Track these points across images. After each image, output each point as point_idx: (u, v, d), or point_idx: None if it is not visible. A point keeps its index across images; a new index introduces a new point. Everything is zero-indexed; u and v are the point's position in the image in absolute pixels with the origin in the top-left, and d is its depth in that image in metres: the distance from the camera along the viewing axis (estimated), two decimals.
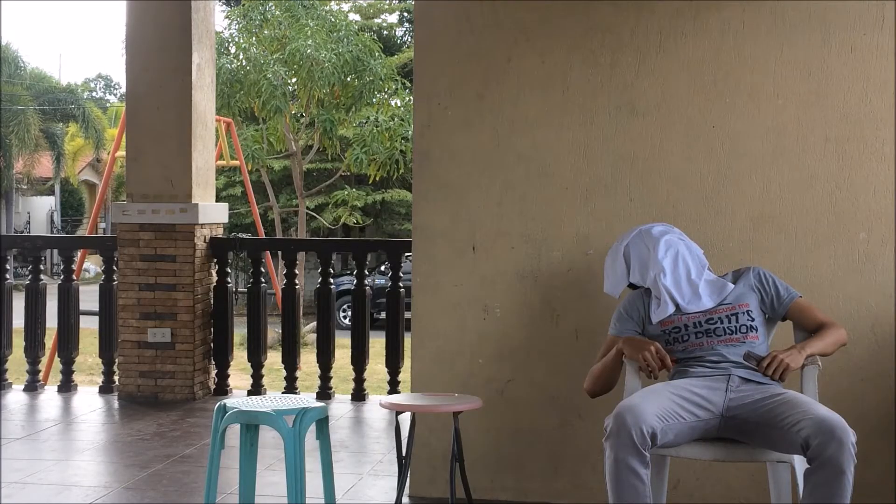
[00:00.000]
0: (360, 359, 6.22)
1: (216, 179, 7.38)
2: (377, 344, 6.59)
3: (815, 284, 3.75)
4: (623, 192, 3.91)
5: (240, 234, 20.70)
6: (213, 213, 6.35)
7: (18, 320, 6.66)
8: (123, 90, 7.23)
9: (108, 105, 36.67)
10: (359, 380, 6.23)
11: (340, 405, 6.10)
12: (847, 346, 3.47)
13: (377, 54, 16.40)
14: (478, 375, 4.02)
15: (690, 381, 3.22)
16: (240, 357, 6.74)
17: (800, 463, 3.07)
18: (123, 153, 6.59)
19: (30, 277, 6.61)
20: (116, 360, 6.40)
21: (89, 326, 7.65)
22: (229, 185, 21.58)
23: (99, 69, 78.83)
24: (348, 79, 16.09)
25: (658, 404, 3.05)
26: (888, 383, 3.75)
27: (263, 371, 6.39)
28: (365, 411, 6.00)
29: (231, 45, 16.55)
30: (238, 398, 3.96)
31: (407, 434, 3.74)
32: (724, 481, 3.84)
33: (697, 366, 3.30)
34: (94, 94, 41.51)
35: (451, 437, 3.64)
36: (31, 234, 22.85)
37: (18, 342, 6.70)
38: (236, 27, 17.00)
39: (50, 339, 7.06)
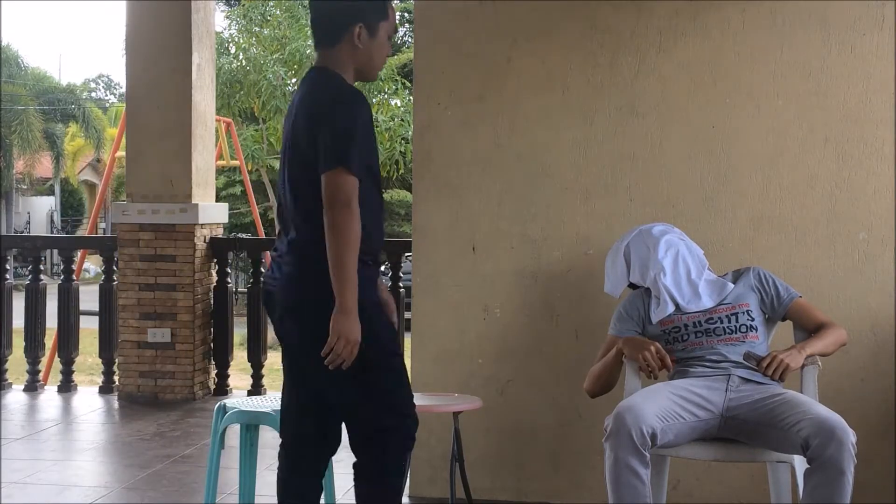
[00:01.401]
0: None
1: (216, 179, 7.38)
2: None
3: (815, 284, 3.75)
4: (623, 192, 3.91)
5: (240, 234, 20.69)
6: (213, 213, 6.35)
7: (18, 320, 6.66)
8: (123, 90, 7.23)
9: (108, 105, 36.68)
10: None
11: None
12: (847, 346, 3.46)
13: None
14: (478, 375, 4.02)
15: (690, 381, 3.22)
16: (240, 357, 6.74)
17: (800, 463, 3.07)
18: (123, 153, 6.59)
19: (30, 277, 6.61)
20: (116, 360, 6.40)
21: (89, 326, 7.65)
22: (229, 185, 21.56)
23: (99, 69, 78.90)
24: None
25: (658, 404, 3.05)
26: (888, 383, 3.75)
27: (263, 371, 6.39)
28: None
29: (231, 45, 16.55)
30: (238, 398, 3.96)
31: None
32: (724, 481, 3.84)
33: (697, 366, 3.29)
34: (93, 94, 41.50)
35: (451, 437, 3.64)
36: (31, 234, 22.85)
37: (18, 342, 6.71)
38: (236, 27, 17.00)
39: (50, 339, 7.06)
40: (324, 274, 2.69)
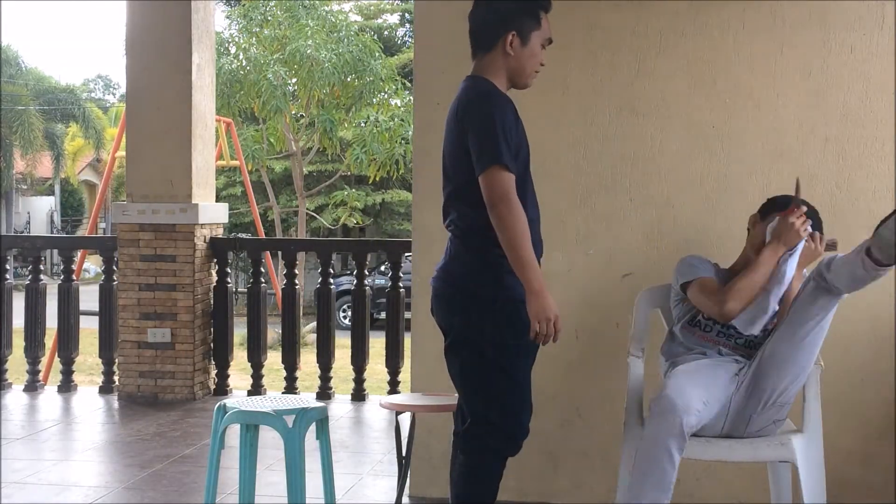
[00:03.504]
0: (360, 359, 6.22)
1: (216, 179, 7.39)
2: (377, 344, 6.59)
3: None
4: (623, 192, 3.91)
5: (240, 234, 20.71)
6: (213, 213, 6.35)
7: (18, 320, 6.66)
8: (123, 90, 7.24)
9: (108, 105, 36.68)
10: (359, 380, 6.23)
11: (340, 405, 6.10)
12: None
13: (377, 54, 16.38)
14: None
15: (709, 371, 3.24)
16: (240, 357, 6.74)
17: (802, 460, 3.07)
18: (123, 153, 6.59)
19: (30, 277, 6.61)
20: (116, 360, 6.40)
21: (89, 326, 7.65)
22: (229, 185, 21.58)
23: (99, 69, 78.90)
24: (348, 79, 16.07)
25: (701, 390, 3.08)
26: (888, 383, 3.75)
27: (263, 371, 6.39)
28: (365, 411, 6.00)
29: (231, 45, 16.54)
30: (238, 398, 3.96)
31: (407, 434, 3.74)
32: (724, 481, 3.84)
33: (700, 357, 3.32)
34: (93, 94, 41.48)
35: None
36: (31, 234, 22.86)
37: (18, 342, 6.71)
38: (236, 27, 16.99)
39: (50, 339, 7.06)
40: (466, 260, 2.93)
